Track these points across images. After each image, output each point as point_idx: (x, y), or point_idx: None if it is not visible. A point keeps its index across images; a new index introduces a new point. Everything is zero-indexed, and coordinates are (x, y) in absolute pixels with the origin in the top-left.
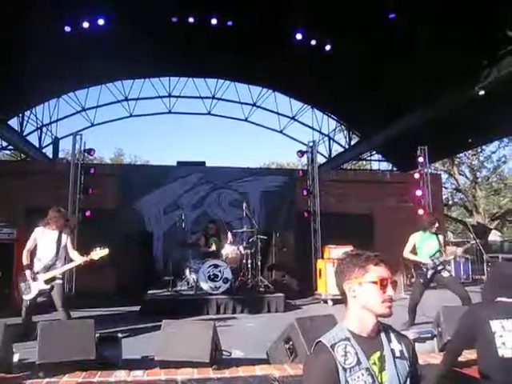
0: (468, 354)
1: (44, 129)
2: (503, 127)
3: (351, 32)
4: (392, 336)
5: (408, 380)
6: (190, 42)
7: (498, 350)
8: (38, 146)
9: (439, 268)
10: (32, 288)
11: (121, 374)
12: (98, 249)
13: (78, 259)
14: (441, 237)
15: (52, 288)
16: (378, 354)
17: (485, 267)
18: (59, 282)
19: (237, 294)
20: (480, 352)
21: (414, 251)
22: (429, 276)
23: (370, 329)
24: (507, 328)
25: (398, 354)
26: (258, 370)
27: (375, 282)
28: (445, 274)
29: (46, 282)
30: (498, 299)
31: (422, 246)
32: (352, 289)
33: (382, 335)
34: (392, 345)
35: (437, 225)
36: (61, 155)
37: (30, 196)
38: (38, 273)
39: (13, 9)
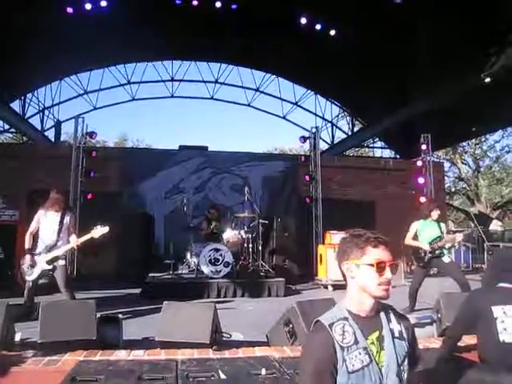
0: (467, 339)
1: (46, 112)
2: (507, 116)
3: (356, 17)
4: (392, 316)
5: (406, 360)
6: (193, 25)
7: (499, 335)
8: (39, 128)
9: (437, 252)
10: (34, 269)
11: (121, 354)
12: (98, 227)
13: (73, 241)
14: (443, 225)
15: (54, 269)
16: (376, 333)
17: (485, 256)
18: (62, 263)
19: (237, 277)
20: (481, 337)
21: (415, 239)
22: (426, 259)
23: (369, 309)
24: (509, 313)
25: (396, 334)
26: (258, 352)
27: (372, 265)
28: (445, 259)
29: (48, 262)
30: (500, 285)
31: (422, 232)
32: (350, 269)
33: (382, 315)
34: (391, 325)
35: (438, 212)
36: (63, 138)
37: (32, 178)
38: (40, 253)
39: None
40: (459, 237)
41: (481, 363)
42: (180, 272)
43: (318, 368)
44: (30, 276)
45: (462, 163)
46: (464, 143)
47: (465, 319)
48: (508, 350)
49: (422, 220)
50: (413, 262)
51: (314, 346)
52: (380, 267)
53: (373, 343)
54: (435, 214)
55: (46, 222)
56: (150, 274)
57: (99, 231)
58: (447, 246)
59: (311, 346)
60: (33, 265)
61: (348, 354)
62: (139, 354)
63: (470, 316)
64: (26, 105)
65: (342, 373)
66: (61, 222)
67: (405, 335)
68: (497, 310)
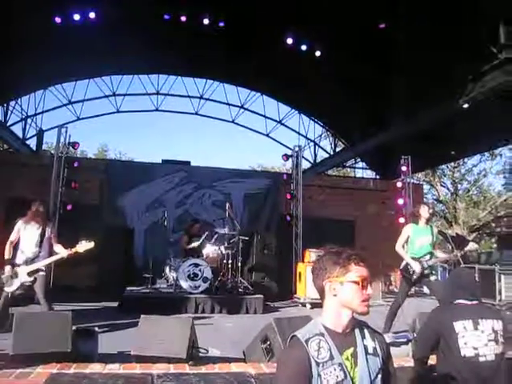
0: None
1: (29, 120)
2: (485, 141)
3: (341, 40)
4: (366, 333)
5: (379, 376)
6: (180, 40)
7: (460, 350)
8: (21, 137)
9: (426, 272)
10: (14, 280)
11: (96, 367)
12: (83, 241)
13: (62, 252)
14: (435, 230)
15: (34, 280)
16: (351, 349)
17: None
18: (42, 273)
19: (216, 293)
20: (443, 353)
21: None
22: (413, 279)
23: (345, 325)
24: (469, 328)
25: (370, 350)
26: (234, 368)
27: (357, 282)
28: (432, 277)
29: (29, 274)
30: (457, 301)
31: (415, 240)
32: (333, 287)
33: (357, 331)
34: (365, 341)
35: (427, 209)
36: (44, 148)
37: (12, 187)
38: (20, 265)
39: None
40: (459, 254)
41: (442, 379)
42: (158, 286)
43: (293, 382)
44: (10, 287)
45: (441, 185)
46: (443, 166)
47: (429, 338)
48: (468, 364)
49: (414, 225)
50: (390, 282)
51: (289, 360)
52: (364, 284)
53: (347, 359)
54: (424, 211)
55: (27, 234)
56: (128, 288)
57: (84, 246)
58: (441, 258)
59: (287, 360)
60: (13, 276)
61: (323, 370)
62: (114, 368)
63: (434, 334)
64: (9, 112)
65: None
66: (42, 235)
67: (379, 351)
68: (458, 326)
